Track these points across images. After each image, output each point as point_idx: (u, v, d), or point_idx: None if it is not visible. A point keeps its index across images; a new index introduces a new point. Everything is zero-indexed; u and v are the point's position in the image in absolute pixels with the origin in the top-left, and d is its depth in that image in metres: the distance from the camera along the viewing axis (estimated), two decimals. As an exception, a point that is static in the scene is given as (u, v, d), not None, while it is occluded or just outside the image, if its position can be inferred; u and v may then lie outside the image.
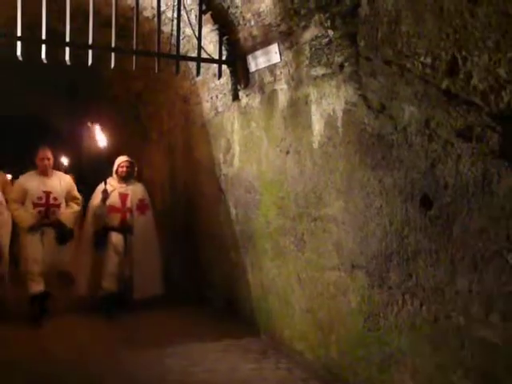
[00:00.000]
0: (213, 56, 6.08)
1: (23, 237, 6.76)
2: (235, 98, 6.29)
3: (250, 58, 5.77)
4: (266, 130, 5.74)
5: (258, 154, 5.97)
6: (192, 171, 7.88)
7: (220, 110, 6.76)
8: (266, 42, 5.38)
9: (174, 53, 5.90)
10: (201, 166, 7.56)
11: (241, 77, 6.04)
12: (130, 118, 10.22)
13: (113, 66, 5.61)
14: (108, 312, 6.91)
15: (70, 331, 6.39)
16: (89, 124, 12.68)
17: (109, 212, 7.16)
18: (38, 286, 6.76)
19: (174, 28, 5.90)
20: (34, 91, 11.22)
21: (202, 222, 7.64)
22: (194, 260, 7.86)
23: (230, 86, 6.29)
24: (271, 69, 5.45)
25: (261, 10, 5.17)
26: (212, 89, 6.80)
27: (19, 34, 5.18)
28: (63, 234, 6.86)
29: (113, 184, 7.30)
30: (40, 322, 6.57)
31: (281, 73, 5.32)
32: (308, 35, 4.73)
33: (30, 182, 6.86)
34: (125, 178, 7.38)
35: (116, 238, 7.16)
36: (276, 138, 5.55)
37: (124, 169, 7.37)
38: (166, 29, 6.39)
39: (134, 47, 5.64)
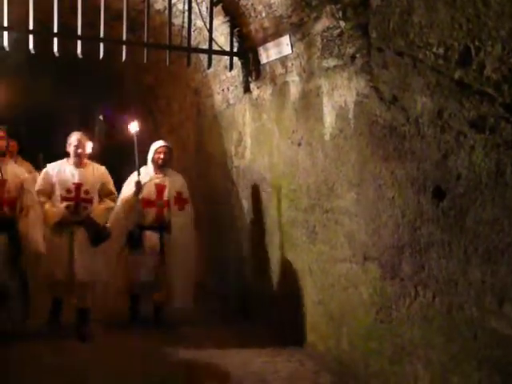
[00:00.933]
0: (224, 48, 6.07)
1: (48, 236, 5.68)
2: (246, 90, 6.28)
3: (261, 49, 5.76)
4: (278, 122, 5.73)
5: (269, 146, 5.96)
6: (203, 163, 7.89)
7: (231, 102, 6.76)
8: (277, 34, 5.37)
9: (185, 45, 5.90)
10: (212, 158, 7.57)
11: (252, 69, 6.04)
12: (141, 110, 10.25)
13: (124, 59, 5.62)
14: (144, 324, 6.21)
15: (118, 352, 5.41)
16: (100, 117, 12.71)
17: (142, 206, 6.13)
18: (60, 296, 5.92)
19: (185, 20, 5.90)
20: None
21: (215, 214, 7.64)
22: (205, 254, 7.87)
23: (241, 78, 6.28)
24: (282, 60, 5.44)
25: (272, 1, 5.16)
26: (223, 81, 6.79)
27: (31, 27, 5.20)
28: (98, 234, 5.81)
29: (148, 173, 6.26)
30: (82, 339, 5.67)
31: (292, 64, 5.30)
32: (319, 26, 4.71)
33: (59, 171, 5.87)
34: (162, 167, 6.28)
35: (151, 237, 6.12)
36: (287, 130, 5.54)
37: (162, 155, 6.24)
38: (176, 21, 6.39)
39: (145, 40, 5.65)
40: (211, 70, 6.53)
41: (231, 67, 6.12)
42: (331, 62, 4.68)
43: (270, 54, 5.61)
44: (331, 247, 4.90)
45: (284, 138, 5.61)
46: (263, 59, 5.79)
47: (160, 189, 6.23)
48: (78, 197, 5.79)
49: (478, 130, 3.31)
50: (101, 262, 5.92)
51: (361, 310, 4.51)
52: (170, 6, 5.77)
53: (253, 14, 5.59)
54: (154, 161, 6.27)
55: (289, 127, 5.51)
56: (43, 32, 5.44)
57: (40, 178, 6.00)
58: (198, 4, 5.94)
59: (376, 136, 4.20)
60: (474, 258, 3.41)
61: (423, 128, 3.73)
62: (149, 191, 6.16)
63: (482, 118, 3.27)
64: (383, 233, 4.21)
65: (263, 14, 5.43)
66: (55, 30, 5.27)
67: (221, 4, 5.90)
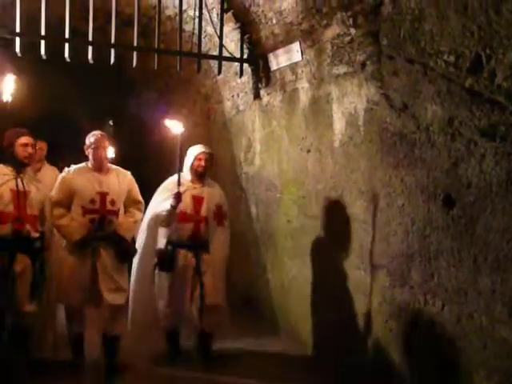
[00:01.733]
0: (234, 55, 6.09)
1: (65, 255, 4.90)
2: (256, 96, 6.29)
3: (271, 56, 5.77)
4: (287, 129, 5.74)
5: (278, 152, 5.96)
6: (213, 169, 7.89)
7: (241, 108, 6.77)
8: (287, 41, 5.38)
9: (196, 51, 5.92)
10: (222, 164, 7.58)
11: (262, 75, 6.04)
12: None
13: (135, 64, 5.65)
14: (174, 358, 5.40)
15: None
16: (110, 123, 12.75)
17: (178, 221, 5.22)
18: (80, 327, 5.10)
19: (196, 27, 5.92)
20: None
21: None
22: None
23: (251, 84, 6.29)
24: (292, 67, 5.44)
25: (282, 8, 5.17)
26: (233, 87, 6.81)
27: (43, 32, 5.23)
28: (126, 251, 5.01)
29: (184, 183, 5.28)
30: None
31: (302, 71, 5.30)
32: (330, 33, 4.72)
33: (80, 178, 4.95)
34: (201, 176, 5.37)
35: (186, 256, 5.22)
36: (297, 136, 5.54)
37: (202, 162, 5.32)
38: (187, 27, 6.41)
39: (156, 46, 5.67)
40: (221, 76, 6.55)
41: (241, 74, 6.14)
42: (341, 69, 4.68)
43: (280, 60, 5.62)
44: (340, 255, 4.89)
45: (293, 144, 5.61)
46: (273, 66, 5.80)
47: (197, 201, 5.34)
48: (103, 208, 4.91)
49: (488, 138, 3.30)
50: (125, 284, 5.07)
51: (369, 318, 4.49)
52: (181, 12, 5.80)
53: (263, 21, 5.61)
54: (192, 168, 5.34)
55: (298, 134, 5.51)
56: (55, 37, 5.47)
57: (56, 186, 5.02)
58: (208, 11, 5.96)
59: (386, 143, 4.20)
60: (483, 266, 3.40)
61: (433, 136, 3.72)
62: (185, 203, 5.21)
63: (492, 126, 3.26)
64: (392, 240, 4.19)
65: (274, 21, 5.44)
66: (66, 36, 5.30)
67: (231, 11, 5.92)
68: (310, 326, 5.45)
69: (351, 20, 4.36)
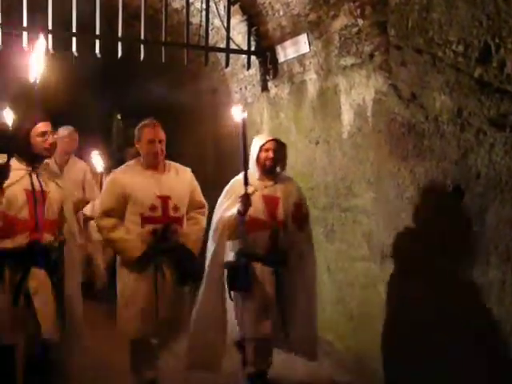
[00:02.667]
0: (241, 47, 6.07)
1: (124, 275, 4.17)
2: (264, 88, 6.28)
3: (278, 48, 5.75)
4: (295, 121, 5.73)
5: (287, 144, 5.96)
6: (221, 162, 7.90)
7: (249, 100, 6.76)
8: (294, 32, 5.36)
9: (203, 44, 5.91)
10: (230, 156, 7.57)
11: (270, 67, 6.03)
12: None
13: (142, 58, 5.65)
14: None
15: None
16: (118, 116, 12.76)
17: (249, 229, 4.17)
18: (151, 371, 4.27)
19: (203, 19, 5.90)
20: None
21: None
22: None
23: (258, 76, 6.28)
24: (300, 59, 5.43)
25: (289, 0, 5.15)
26: (241, 80, 6.80)
27: (50, 27, 5.24)
28: (192, 267, 4.21)
29: (252, 182, 4.17)
30: None
31: (310, 63, 5.29)
32: (337, 24, 4.70)
33: (135, 180, 4.14)
34: (271, 171, 4.38)
35: (262, 272, 4.23)
36: (305, 128, 5.53)
37: (271, 154, 4.32)
38: (194, 20, 6.40)
39: (163, 39, 5.67)
40: (229, 68, 6.54)
41: (249, 66, 6.12)
42: (349, 60, 4.66)
43: (287, 52, 5.60)
44: (349, 246, 4.89)
45: (302, 136, 5.61)
46: (281, 58, 5.78)
47: (271, 203, 4.29)
48: (165, 216, 4.12)
49: (498, 128, 3.29)
50: (187, 305, 4.33)
51: (379, 309, 4.49)
52: (188, 4, 5.78)
53: (270, 13, 5.59)
54: (259, 162, 4.35)
55: (306, 125, 5.50)
56: (62, 32, 5.48)
57: (105, 190, 4.26)
58: (215, 3, 5.95)
59: (394, 134, 4.18)
60: (493, 257, 3.39)
61: (442, 126, 3.71)
62: (255, 207, 4.12)
63: (502, 115, 3.25)
64: (402, 232, 4.19)
65: (281, 13, 5.43)
66: (74, 30, 5.31)
67: (238, 3, 5.90)
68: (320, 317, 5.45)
69: (359, 11, 4.34)
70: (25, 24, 5.13)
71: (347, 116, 4.79)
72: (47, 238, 3.68)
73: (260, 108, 6.51)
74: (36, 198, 3.65)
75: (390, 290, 4.36)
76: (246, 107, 6.86)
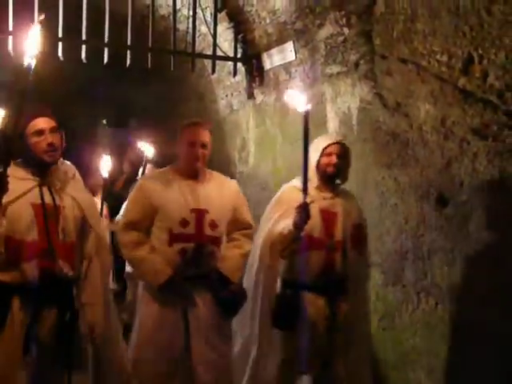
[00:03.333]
0: (228, 54, 6.09)
1: (145, 304, 3.48)
2: (250, 95, 6.29)
3: (265, 55, 5.77)
4: (281, 128, 5.74)
5: (273, 151, 5.97)
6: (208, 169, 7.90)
7: (235, 107, 6.77)
8: (281, 40, 5.38)
9: (190, 51, 5.92)
10: (216, 163, 7.57)
11: (256, 75, 6.04)
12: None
13: (128, 63, 5.64)
14: None
15: None
16: (104, 121, 12.69)
17: (303, 249, 3.36)
18: None
19: (190, 26, 5.91)
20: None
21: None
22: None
23: (245, 83, 6.29)
24: (286, 67, 5.45)
25: (276, 7, 5.17)
26: (227, 86, 6.81)
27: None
28: (232, 299, 3.44)
29: (308, 191, 3.30)
30: None
31: (296, 71, 5.31)
32: (323, 33, 4.72)
33: (166, 189, 3.45)
34: (332, 180, 3.62)
35: (315, 303, 3.45)
36: (291, 135, 5.54)
37: (334, 159, 3.53)
38: (181, 27, 6.41)
39: (150, 45, 5.67)
40: (215, 75, 6.55)
41: (235, 73, 6.13)
42: (335, 69, 4.69)
43: (273, 60, 5.62)
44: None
45: (287, 143, 5.62)
46: (267, 65, 5.80)
47: (329, 218, 3.54)
48: (200, 234, 3.39)
49: (481, 137, 3.32)
50: (231, 351, 3.56)
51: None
52: (175, 11, 5.79)
53: (257, 20, 5.61)
54: (319, 168, 3.56)
55: (292, 133, 5.51)
56: (48, 36, 5.46)
57: (130, 198, 3.60)
58: (202, 10, 5.96)
59: (379, 142, 4.21)
60: (476, 265, 3.41)
61: (426, 135, 3.74)
62: (310, 222, 3.29)
63: (485, 125, 3.29)
64: (386, 239, 4.21)
65: (267, 21, 5.45)
66: (60, 35, 5.30)
67: (225, 10, 5.92)
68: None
69: (344, 20, 4.37)
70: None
71: (332, 124, 4.81)
72: (62, 265, 2.83)
73: (246, 115, 6.52)
74: (47, 214, 2.82)
75: (374, 297, 4.38)
76: (231, 114, 6.88)
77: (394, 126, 4.04)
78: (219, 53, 6.03)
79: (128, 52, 5.60)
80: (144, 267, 3.42)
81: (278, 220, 3.51)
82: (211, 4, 5.94)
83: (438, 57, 3.53)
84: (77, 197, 3.00)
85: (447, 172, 3.59)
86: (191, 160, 3.48)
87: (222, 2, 5.89)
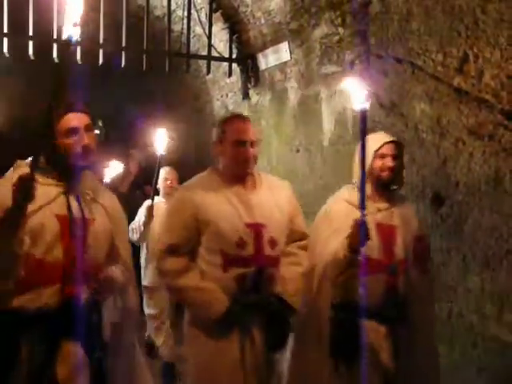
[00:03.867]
0: (223, 54, 6.08)
1: (196, 342, 2.87)
2: (245, 96, 6.28)
3: (260, 56, 5.77)
4: (276, 129, 5.74)
5: (268, 152, 5.97)
6: (203, 170, 7.88)
7: (230, 108, 6.76)
8: (276, 40, 5.38)
9: (185, 51, 5.91)
10: (211, 164, 7.56)
11: (251, 75, 6.04)
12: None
13: (123, 65, 5.63)
14: None
15: None
16: (99, 122, 12.66)
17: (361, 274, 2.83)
18: None
19: (185, 27, 5.91)
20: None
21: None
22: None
23: (240, 84, 6.29)
24: (281, 67, 5.45)
25: (271, 8, 5.17)
26: (222, 87, 6.80)
27: (30, 33, 5.21)
28: (284, 331, 2.88)
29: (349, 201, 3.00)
30: None
31: (291, 71, 5.31)
32: (318, 33, 4.72)
33: (213, 200, 2.82)
34: (388, 186, 3.03)
35: (376, 333, 2.90)
36: (286, 136, 5.54)
37: (389, 162, 2.96)
38: (176, 28, 6.40)
39: (145, 46, 5.66)
40: (210, 76, 6.54)
41: (230, 73, 6.13)
42: (330, 69, 4.68)
43: (268, 60, 5.62)
44: (330, 253, 4.89)
45: (283, 144, 5.62)
46: (262, 65, 5.80)
47: (387, 234, 2.95)
48: (259, 255, 2.78)
49: (476, 136, 3.32)
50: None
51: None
52: (170, 12, 5.78)
53: (252, 21, 5.61)
54: (372, 174, 2.98)
55: (287, 133, 5.51)
56: (43, 37, 5.45)
57: (171, 215, 2.91)
58: (197, 11, 5.95)
59: (375, 142, 4.20)
60: (472, 264, 3.41)
61: (422, 134, 3.74)
62: (368, 242, 2.74)
63: (480, 124, 3.28)
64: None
65: (262, 21, 5.44)
66: (54, 36, 5.28)
67: (220, 11, 5.92)
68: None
69: (340, 20, 4.37)
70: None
71: (328, 124, 4.81)
72: (89, 293, 2.38)
73: (241, 115, 6.52)
74: (74, 229, 2.34)
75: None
76: (226, 115, 6.86)
77: (389, 126, 4.04)
78: (214, 53, 6.03)
79: (123, 53, 5.59)
80: (195, 298, 2.80)
81: (328, 241, 2.93)
82: (206, 5, 5.94)
83: (433, 56, 3.53)
84: (109, 207, 2.52)
85: (443, 171, 3.59)
86: (240, 162, 2.84)
87: (217, 2, 5.89)
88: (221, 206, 2.79)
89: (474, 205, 3.38)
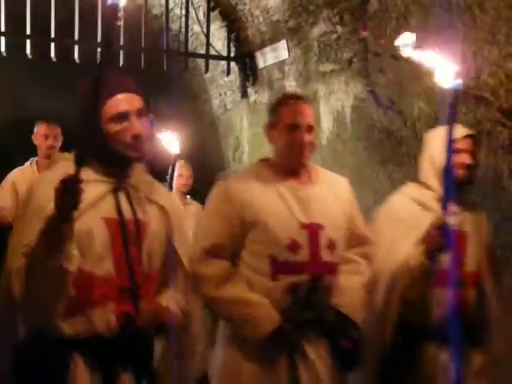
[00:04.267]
0: (221, 53, 6.08)
1: (234, 363, 2.43)
2: (244, 94, 6.28)
3: (258, 54, 5.76)
4: (275, 127, 5.74)
5: (266, 151, 5.95)
6: (202, 168, 7.88)
7: (229, 107, 6.76)
8: (274, 39, 5.37)
9: (183, 50, 5.91)
10: (210, 163, 7.56)
11: (249, 73, 6.04)
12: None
13: (121, 63, 5.63)
14: None
15: None
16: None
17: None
18: None
19: (183, 25, 5.90)
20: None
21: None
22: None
23: (238, 82, 6.28)
24: (280, 65, 5.44)
25: (269, 6, 5.16)
26: (221, 86, 6.79)
27: (28, 32, 5.21)
28: (355, 349, 2.43)
29: (428, 203, 2.68)
30: None
31: (289, 69, 5.30)
32: (316, 31, 4.72)
33: (261, 196, 2.45)
34: (461, 188, 2.65)
35: (437, 359, 2.54)
36: (285, 134, 5.54)
37: (466, 159, 2.65)
38: (174, 26, 6.40)
39: (143, 45, 5.65)
40: (208, 74, 6.53)
41: (228, 72, 6.13)
42: (328, 67, 4.68)
43: (267, 58, 5.61)
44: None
45: (281, 142, 5.61)
46: (260, 64, 5.79)
47: (458, 241, 2.58)
48: (315, 261, 2.40)
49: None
50: None
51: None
52: (168, 11, 5.78)
53: (250, 19, 5.60)
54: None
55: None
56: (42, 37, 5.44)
57: (210, 212, 2.57)
58: (195, 9, 5.95)
59: (373, 140, 4.21)
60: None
61: (420, 132, 3.73)
62: None
63: (478, 122, 3.28)
64: (381, 237, 4.20)
65: (260, 19, 5.44)
66: (52, 35, 5.28)
67: (218, 9, 5.91)
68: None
69: (337, 18, 4.37)
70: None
71: (326, 122, 4.80)
72: (146, 311, 2.00)
73: (239, 114, 6.51)
74: (127, 233, 1.96)
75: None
76: (225, 113, 6.87)
77: (387, 124, 4.04)
78: (212, 52, 6.03)
79: (121, 52, 5.59)
80: (239, 312, 2.35)
81: (394, 245, 2.57)
82: (204, 3, 5.94)
83: (431, 54, 3.53)
84: (166, 206, 2.11)
85: (441, 169, 3.59)
86: (293, 150, 2.48)
87: (215, 0, 5.88)
88: (271, 201, 2.41)
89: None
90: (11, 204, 4.39)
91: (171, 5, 6.04)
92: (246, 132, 6.44)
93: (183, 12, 5.91)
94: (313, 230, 2.40)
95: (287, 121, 2.48)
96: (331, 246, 2.42)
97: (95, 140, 1.86)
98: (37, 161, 4.72)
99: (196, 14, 5.95)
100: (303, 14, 4.79)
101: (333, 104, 4.69)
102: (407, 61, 3.71)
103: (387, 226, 2.68)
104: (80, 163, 1.70)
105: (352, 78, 4.38)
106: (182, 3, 5.97)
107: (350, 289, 2.46)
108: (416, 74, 3.68)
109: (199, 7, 6.01)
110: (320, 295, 2.39)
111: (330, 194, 2.54)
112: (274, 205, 2.41)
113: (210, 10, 5.88)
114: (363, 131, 4.32)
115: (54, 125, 4.71)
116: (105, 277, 1.91)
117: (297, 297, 2.35)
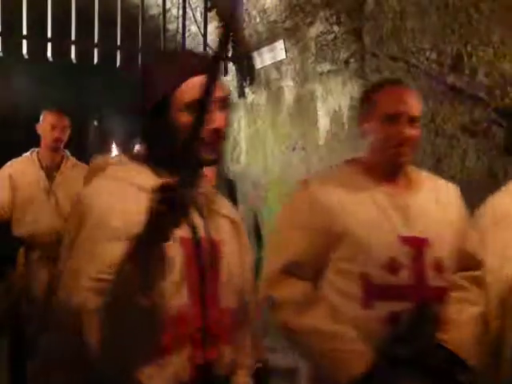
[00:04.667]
0: (218, 53, 6.09)
1: None
2: (241, 95, 6.29)
3: (255, 54, 5.77)
4: (272, 127, 5.74)
5: (264, 150, 5.97)
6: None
7: (226, 107, 6.77)
8: (271, 39, 5.38)
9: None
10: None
11: (246, 74, 6.04)
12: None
13: (118, 64, 5.63)
14: None
15: None
16: (95, 123, 12.62)
17: None
18: None
19: (180, 26, 5.91)
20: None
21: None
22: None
23: (235, 83, 6.29)
24: (277, 65, 5.45)
25: (266, 6, 5.17)
26: (218, 86, 6.81)
27: (24, 32, 5.21)
28: None
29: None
30: None
31: (286, 69, 5.32)
32: (313, 31, 4.73)
33: (354, 204, 2.00)
34: None
35: None
36: (282, 134, 5.55)
37: None
38: (171, 27, 6.41)
39: (140, 45, 5.66)
40: (206, 75, 6.54)
41: (226, 72, 6.13)
42: (325, 67, 4.69)
43: (264, 58, 5.62)
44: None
45: (278, 142, 5.62)
46: (258, 64, 5.80)
47: None
48: (421, 285, 1.98)
49: (470, 134, 3.33)
50: None
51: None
52: (165, 11, 5.79)
53: (247, 19, 5.61)
54: None
55: (283, 132, 5.52)
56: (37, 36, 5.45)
57: (287, 220, 2.26)
58: (192, 9, 5.96)
59: (370, 140, 4.22)
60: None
61: (417, 132, 3.75)
62: None
63: (474, 122, 3.29)
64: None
65: (257, 19, 5.45)
66: (49, 35, 5.29)
67: (215, 9, 5.92)
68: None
69: (334, 18, 4.38)
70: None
71: (323, 122, 4.82)
72: (227, 355, 1.53)
73: (237, 115, 6.52)
74: (203, 257, 1.51)
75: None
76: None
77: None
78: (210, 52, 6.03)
79: (118, 52, 5.60)
80: (323, 348, 1.93)
81: (507, 252, 2.10)
82: (201, 3, 5.94)
83: (427, 54, 3.54)
84: (235, 219, 1.68)
85: (438, 169, 3.59)
86: (390, 147, 2.02)
87: (212, 1, 5.89)
88: (364, 210, 1.98)
89: (467, 202, 3.39)
90: (8, 199, 4.03)
91: (168, 5, 6.05)
92: (243, 132, 6.45)
93: (180, 12, 5.92)
94: (417, 246, 1.97)
95: (384, 110, 2.02)
96: (439, 266, 2.00)
97: (163, 135, 1.49)
98: (38, 152, 4.23)
99: (193, 15, 5.96)
100: (300, 14, 4.80)
101: (330, 104, 4.70)
102: (404, 61, 3.75)
103: (493, 231, 2.18)
104: (193, 182, 1.34)
105: (349, 78, 4.39)
106: (179, 3, 5.99)
107: (461, 322, 2.01)
108: (413, 74, 3.70)
109: (196, 8, 6.02)
110: (425, 328, 1.96)
111: (436, 202, 2.10)
112: (368, 213, 1.98)
113: (207, 10, 5.88)
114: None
115: (62, 115, 4.17)
116: (179, 313, 1.43)
117: (397, 330, 1.92)
